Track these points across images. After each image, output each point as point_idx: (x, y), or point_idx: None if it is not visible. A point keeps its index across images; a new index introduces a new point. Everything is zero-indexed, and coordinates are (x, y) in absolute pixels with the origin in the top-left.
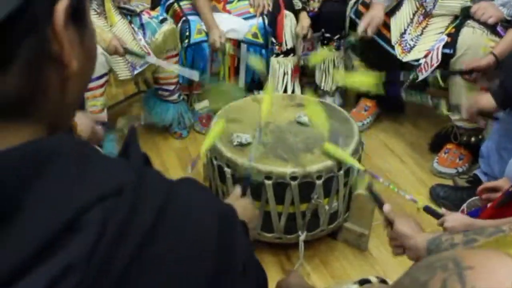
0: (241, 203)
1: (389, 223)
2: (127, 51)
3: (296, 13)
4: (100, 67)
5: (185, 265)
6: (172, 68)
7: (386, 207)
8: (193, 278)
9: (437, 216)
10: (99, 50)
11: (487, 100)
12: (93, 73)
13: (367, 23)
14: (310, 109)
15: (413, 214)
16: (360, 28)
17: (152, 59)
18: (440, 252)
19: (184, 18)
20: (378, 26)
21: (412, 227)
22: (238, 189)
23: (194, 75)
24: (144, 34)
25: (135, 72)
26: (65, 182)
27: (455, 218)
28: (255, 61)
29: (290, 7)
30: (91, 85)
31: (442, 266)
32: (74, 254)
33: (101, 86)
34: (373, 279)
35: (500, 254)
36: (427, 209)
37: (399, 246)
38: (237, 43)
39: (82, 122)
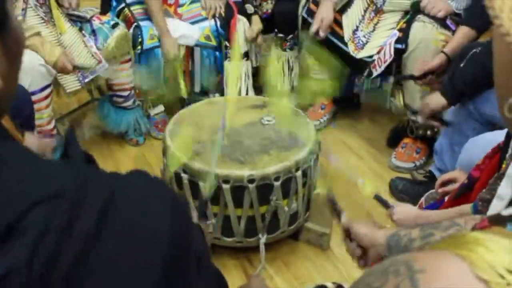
0: None
1: (348, 235)
2: (76, 68)
3: (249, 17)
4: (42, 79)
5: (136, 262)
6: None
7: (343, 217)
8: (146, 273)
9: (387, 206)
10: (39, 61)
11: (436, 100)
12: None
13: (318, 25)
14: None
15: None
16: (312, 31)
17: (103, 70)
18: (400, 247)
19: (135, 24)
20: (329, 26)
21: (370, 227)
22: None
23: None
24: (96, 40)
25: (86, 80)
26: (3, 187)
27: (403, 210)
28: None
29: (243, 11)
30: (35, 98)
31: (394, 271)
32: (16, 258)
33: (46, 97)
34: (330, 285)
35: (450, 255)
36: (377, 198)
37: (360, 250)
38: (190, 48)
39: (30, 142)
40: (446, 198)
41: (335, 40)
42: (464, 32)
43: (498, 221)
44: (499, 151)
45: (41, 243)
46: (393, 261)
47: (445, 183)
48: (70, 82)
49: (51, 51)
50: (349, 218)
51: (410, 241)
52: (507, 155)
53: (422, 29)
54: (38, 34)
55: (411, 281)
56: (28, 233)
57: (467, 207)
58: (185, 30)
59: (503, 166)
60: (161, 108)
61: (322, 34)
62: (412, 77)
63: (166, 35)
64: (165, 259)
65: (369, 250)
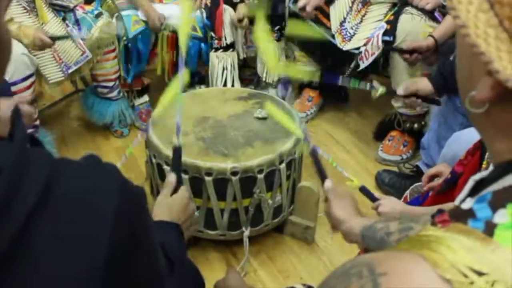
0: (175, 200)
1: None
2: (54, 39)
3: (235, 6)
4: (23, 68)
5: (79, 242)
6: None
7: (328, 184)
8: (89, 253)
9: (373, 199)
10: (22, 51)
11: (425, 83)
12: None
13: (306, 0)
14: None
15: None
16: (299, 5)
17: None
18: (376, 240)
19: (117, 15)
20: (317, 4)
21: (347, 211)
22: (171, 178)
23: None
24: (80, 30)
25: (69, 71)
26: None
27: (390, 203)
28: None
29: (229, 1)
30: (16, 88)
31: (357, 274)
32: None
33: (28, 87)
34: (299, 287)
35: (412, 256)
36: (363, 190)
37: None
38: (176, 37)
39: (6, 105)
40: (431, 193)
41: (323, 32)
42: (451, 20)
43: (459, 216)
44: (481, 147)
45: None
46: (356, 263)
47: (431, 178)
48: (53, 73)
49: (25, 32)
50: (331, 187)
51: (388, 235)
52: (487, 154)
53: (410, 21)
54: (11, 20)
55: (373, 285)
56: None
57: (451, 205)
58: (173, 11)
59: (484, 164)
60: (145, 98)
61: (308, 8)
62: (400, 50)
63: (150, 11)
64: (112, 241)
65: (344, 235)
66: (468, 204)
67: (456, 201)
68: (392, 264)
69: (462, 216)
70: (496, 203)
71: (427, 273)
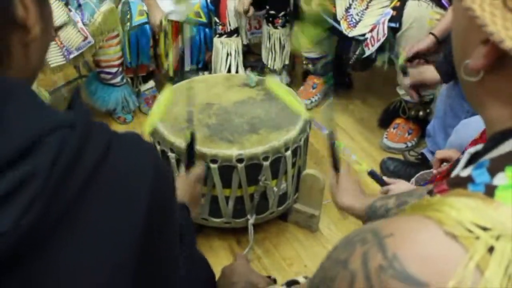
0: (179, 184)
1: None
2: (57, 30)
3: None
4: None
5: (128, 197)
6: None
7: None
8: (132, 210)
9: (382, 183)
10: None
11: (431, 73)
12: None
13: None
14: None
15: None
16: None
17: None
18: (376, 217)
19: (124, 0)
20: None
21: (353, 197)
22: (182, 171)
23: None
24: (82, 15)
25: (71, 56)
26: (28, 109)
27: (400, 187)
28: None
29: None
30: None
31: (361, 240)
32: (37, 164)
33: None
34: (301, 279)
35: (419, 217)
36: (372, 174)
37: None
38: (180, 25)
39: None
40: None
41: (328, 18)
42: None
43: (458, 183)
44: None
45: (58, 158)
46: (359, 231)
47: (441, 162)
48: (54, 57)
49: None
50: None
51: (387, 211)
52: None
53: (416, 8)
54: None
55: (379, 247)
56: (48, 148)
57: None
58: (174, 6)
59: None
60: (151, 83)
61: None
62: (404, 70)
63: (154, 7)
64: (148, 211)
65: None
66: (466, 172)
67: (453, 175)
68: (397, 226)
69: (461, 182)
70: (495, 168)
71: (433, 230)
